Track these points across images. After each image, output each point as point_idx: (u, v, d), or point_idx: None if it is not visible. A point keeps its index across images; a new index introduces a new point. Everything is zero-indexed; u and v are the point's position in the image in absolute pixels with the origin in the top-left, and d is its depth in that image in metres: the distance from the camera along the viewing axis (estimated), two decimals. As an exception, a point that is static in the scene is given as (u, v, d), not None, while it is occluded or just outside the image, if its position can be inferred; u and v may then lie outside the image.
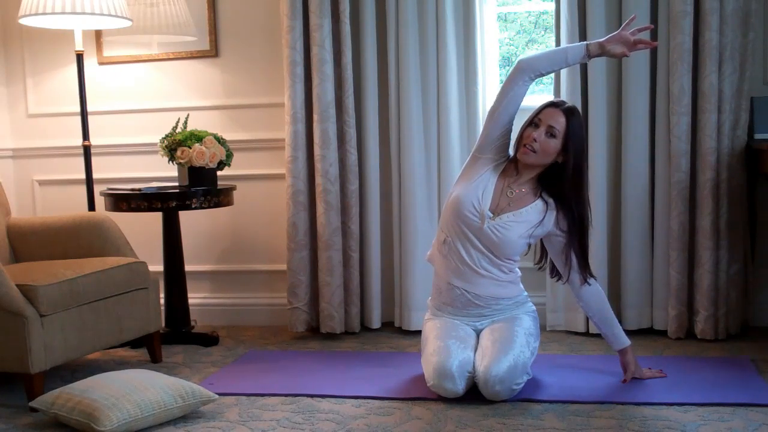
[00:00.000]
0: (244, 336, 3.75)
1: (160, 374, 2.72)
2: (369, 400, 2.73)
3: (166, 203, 3.38)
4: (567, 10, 3.36)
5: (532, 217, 2.79)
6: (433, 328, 2.84)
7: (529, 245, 2.89)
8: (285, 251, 3.67)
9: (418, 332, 3.20)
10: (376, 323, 3.69)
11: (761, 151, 3.16)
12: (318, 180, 3.58)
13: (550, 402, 2.65)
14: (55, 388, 2.67)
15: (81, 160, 3.69)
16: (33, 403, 2.63)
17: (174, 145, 3.42)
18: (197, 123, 3.73)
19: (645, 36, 3.02)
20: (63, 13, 3.30)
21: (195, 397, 2.61)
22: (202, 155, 3.38)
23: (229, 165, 3.55)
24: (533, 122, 2.78)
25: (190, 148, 3.39)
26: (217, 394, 2.73)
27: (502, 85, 2.83)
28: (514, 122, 2.85)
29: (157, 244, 3.68)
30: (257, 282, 3.98)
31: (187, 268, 3.72)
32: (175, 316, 3.62)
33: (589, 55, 2.78)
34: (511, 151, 2.87)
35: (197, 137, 3.42)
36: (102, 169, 3.94)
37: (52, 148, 4.06)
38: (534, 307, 2.94)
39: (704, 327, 3.33)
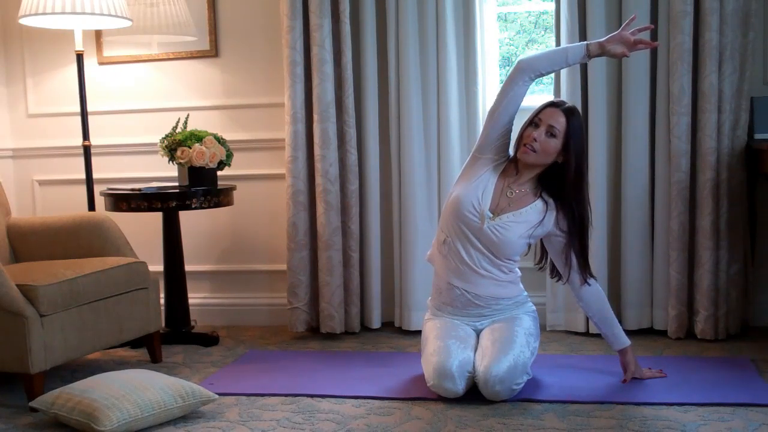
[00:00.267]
0: (244, 336, 3.75)
1: (160, 374, 2.72)
2: (369, 400, 2.73)
3: (166, 203, 3.38)
4: (567, 10, 3.36)
5: (532, 218, 2.79)
6: (433, 328, 2.84)
7: (529, 245, 2.89)
8: (285, 251, 3.67)
9: (418, 332, 3.20)
10: (376, 323, 3.69)
11: (761, 151, 3.16)
12: (318, 180, 3.58)
13: (550, 402, 2.65)
14: (55, 388, 2.67)
15: (81, 160, 3.69)
16: (33, 403, 2.63)
17: (174, 145, 3.42)
18: (197, 123, 3.73)
19: (645, 36, 3.02)
20: (63, 13, 3.30)
21: (195, 397, 2.61)
22: (202, 155, 3.38)
23: (229, 165, 3.55)
24: (533, 122, 2.78)
25: (190, 148, 3.39)
26: (217, 394, 2.73)
27: (502, 85, 2.83)
28: (515, 122, 2.85)
29: (157, 244, 3.68)
30: (257, 282, 3.98)
31: (187, 268, 3.72)
32: (175, 316, 3.62)
33: (590, 55, 2.78)
34: (511, 151, 2.87)
35: (197, 137, 3.42)
36: (102, 169, 3.94)
37: (52, 148, 4.06)
38: (534, 307, 2.94)
39: (704, 327, 3.33)
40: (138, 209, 3.41)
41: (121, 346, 3.47)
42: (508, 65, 3.90)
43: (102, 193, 3.52)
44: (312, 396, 2.79)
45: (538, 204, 2.81)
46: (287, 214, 3.63)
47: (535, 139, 2.73)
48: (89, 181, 3.63)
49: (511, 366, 2.64)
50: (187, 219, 3.82)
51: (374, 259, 3.64)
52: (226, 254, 4.00)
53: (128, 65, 3.98)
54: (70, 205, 3.95)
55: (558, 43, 3.40)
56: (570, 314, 3.54)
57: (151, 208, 3.39)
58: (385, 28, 3.56)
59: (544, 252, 2.95)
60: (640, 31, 2.80)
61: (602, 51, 2.77)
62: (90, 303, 2.97)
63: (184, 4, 3.71)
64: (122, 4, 3.43)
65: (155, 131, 3.76)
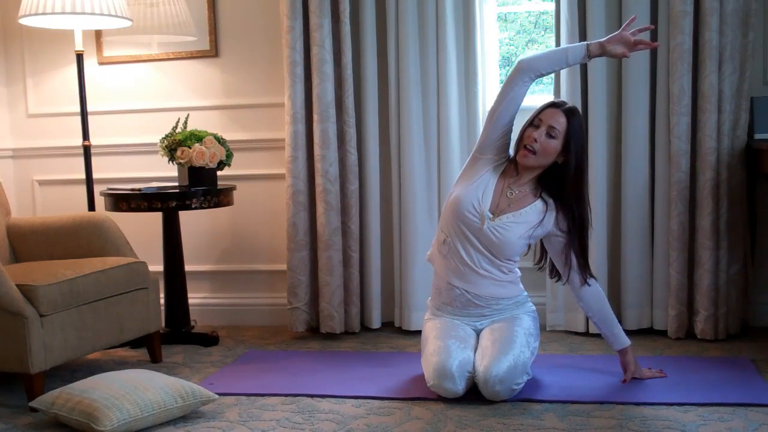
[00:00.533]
0: (244, 336, 3.75)
1: (160, 374, 2.72)
2: (369, 400, 2.73)
3: (166, 203, 3.38)
4: (567, 10, 3.36)
5: (532, 218, 2.79)
6: (433, 328, 2.84)
7: (529, 246, 2.89)
8: (285, 251, 3.67)
9: (418, 332, 3.20)
10: (376, 323, 3.69)
11: (761, 151, 3.16)
12: (318, 180, 3.58)
13: (550, 402, 2.65)
14: (55, 388, 2.67)
15: (81, 160, 3.69)
16: (33, 403, 2.63)
17: (174, 145, 3.42)
18: (197, 123, 3.73)
19: (645, 36, 3.02)
20: (63, 13, 3.30)
21: (195, 397, 2.61)
22: (202, 155, 3.38)
23: (229, 165, 3.55)
24: (533, 123, 2.78)
25: (190, 148, 3.39)
26: (217, 394, 2.73)
27: (502, 85, 2.83)
28: (515, 122, 2.84)
29: (157, 244, 3.68)
30: (257, 282, 3.98)
31: (187, 268, 3.72)
32: (175, 316, 3.62)
33: (590, 56, 2.78)
34: (512, 152, 2.86)
35: (197, 137, 3.42)
36: (102, 169, 3.94)
37: (52, 148, 4.06)
38: (534, 307, 2.94)
39: (704, 327, 3.33)
40: (138, 209, 3.41)
41: (121, 346, 3.47)
42: (508, 65, 3.90)
43: (102, 193, 3.52)
44: (312, 396, 2.79)
45: (538, 204, 2.81)
46: (287, 214, 3.63)
47: (535, 140, 2.73)
48: (89, 181, 3.63)
49: (511, 366, 2.64)
50: (187, 219, 3.82)
51: (374, 259, 3.64)
52: (226, 254, 4.00)
53: (128, 65, 3.98)
54: (70, 205, 3.95)
55: (558, 43, 3.40)
56: (570, 314, 3.54)
57: (151, 208, 3.39)
58: (385, 28, 3.56)
59: (543, 252, 2.95)
60: (640, 31, 2.80)
61: (602, 51, 2.77)
62: (90, 303, 2.97)
63: (184, 4, 3.71)
64: (122, 4, 3.43)
65: (155, 131, 3.76)
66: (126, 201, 3.40)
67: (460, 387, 2.65)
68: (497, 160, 2.85)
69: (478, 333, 2.85)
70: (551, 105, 2.81)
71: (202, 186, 3.43)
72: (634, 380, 2.82)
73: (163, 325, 3.61)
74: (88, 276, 2.95)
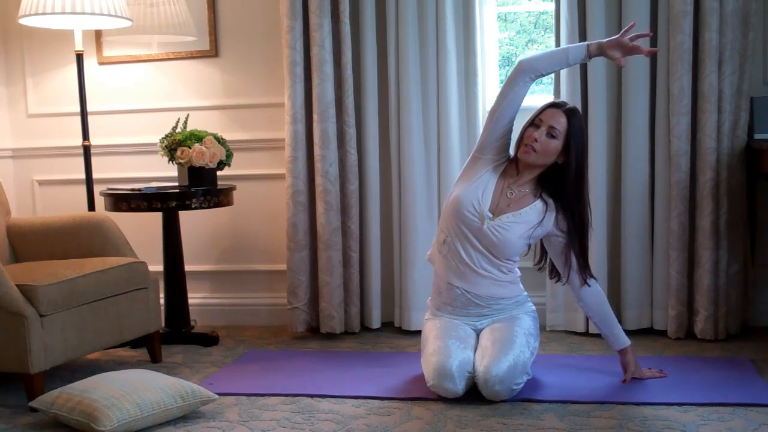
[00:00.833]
0: (244, 336, 3.75)
1: (160, 374, 2.72)
2: (369, 400, 2.73)
3: (166, 203, 3.38)
4: (567, 11, 3.36)
5: (532, 218, 2.79)
6: (432, 328, 2.84)
7: (529, 246, 2.89)
8: (285, 251, 3.67)
9: (418, 332, 3.20)
10: (376, 323, 3.69)
11: (761, 151, 3.16)
12: (318, 180, 3.58)
13: (550, 402, 2.65)
14: (55, 388, 2.67)
15: (81, 160, 3.69)
16: (33, 403, 2.63)
17: (174, 145, 3.42)
18: (197, 123, 3.73)
19: (644, 43, 3.01)
20: (63, 13, 3.30)
21: (195, 397, 2.61)
22: (202, 155, 3.38)
23: (229, 165, 3.55)
24: (534, 122, 2.78)
25: (190, 148, 3.39)
26: (217, 394, 2.73)
27: (502, 85, 2.83)
28: (515, 122, 2.84)
29: (157, 244, 3.68)
30: (257, 282, 3.98)
31: (187, 268, 3.72)
32: (175, 316, 3.62)
33: (590, 55, 2.78)
34: (512, 152, 2.86)
35: (197, 137, 3.42)
36: (102, 169, 3.94)
37: (52, 148, 4.06)
38: (534, 307, 2.94)
39: (704, 327, 3.33)
40: (138, 209, 3.41)
41: (121, 346, 3.47)
42: (508, 65, 3.91)
43: (102, 193, 3.52)
44: (312, 396, 2.79)
45: (538, 204, 2.81)
46: (287, 214, 3.63)
47: (535, 140, 2.73)
48: (89, 181, 3.63)
49: (511, 366, 2.64)
50: (187, 219, 3.82)
51: (374, 259, 3.64)
52: (226, 254, 4.00)
53: (128, 65, 3.98)
54: (70, 205, 3.95)
55: (558, 43, 3.40)
56: (570, 314, 3.54)
57: (151, 208, 3.39)
58: (385, 28, 3.56)
59: (543, 252, 2.95)
60: (638, 37, 2.79)
61: (601, 52, 2.77)
62: (90, 303, 2.97)
63: (184, 4, 3.71)
64: (122, 4, 3.43)
65: (155, 131, 3.76)
66: (126, 201, 3.40)
67: (459, 387, 2.65)
68: (497, 160, 2.85)
69: (478, 333, 2.85)
70: (552, 105, 2.81)
71: (202, 186, 3.43)
72: (634, 380, 2.82)
73: (163, 325, 3.61)
74: (88, 276, 2.95)
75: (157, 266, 3.60)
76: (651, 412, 2.52)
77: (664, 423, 2.43)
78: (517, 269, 2.90)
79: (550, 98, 3.55)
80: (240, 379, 3.04)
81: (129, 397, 2.50)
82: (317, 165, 3.58)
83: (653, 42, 3.29)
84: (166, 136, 3.48)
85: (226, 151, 3.51)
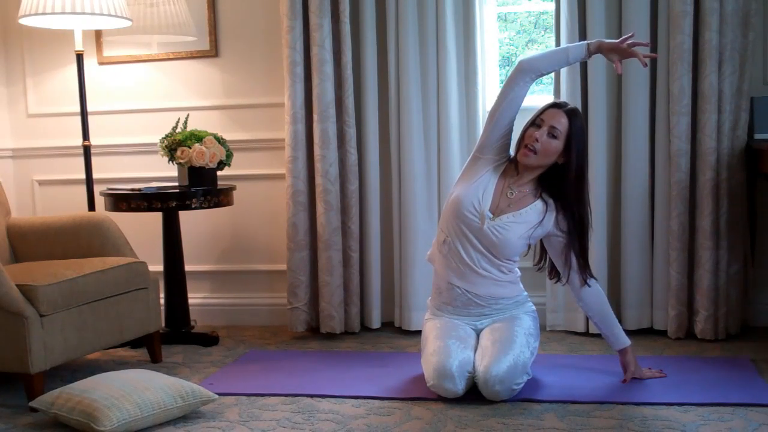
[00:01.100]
0: (244, 336, 3.75)
1: (160, 374, 2.73)
2: (369, 400, 2.73)
3: (166, 203, 3.38)
4: (567, 10, 3.36)
5: (532, 218, 2.79)
6: (433, 328, 2.84)
7: (529, 246, 2.89)
8: (285, 251, 3.67)
9: (418, 332, 3.20)
10: (376, 323, 3.69)
11: (761, 151, 3.16)
12: (318, 180, 3.58)
13: (550, 402, 2.65)
14: (55, 388, 2.67)
15: (81, 160, 3.69)
16: (33, 403, 2.63)
17: (174, 145, 3.42)
18: (197, 123, 3.73)
19: (643, 51, 2.99)
20: (63, 13, 3.30)
21: (195, 397, 2.61)
22: (202, 155, 3.38)
23: (229, 165, 3.55)
24: (535, 122, 2.78)
25: (190, 148, 3.39)
26: (217, 394, 2.73)
27: (502, 86, 2.83)
28: (516, 122, 2.84)
29: (157, 244, 3.68)
30: (257, 282, 3.98)
31: (187, 268, 3.72)
32: (175, 316, 3.62)
33: (589, 54, 2.78)
34: (512, 152, 2.86)
35: (197, 137, 3.42)
36: (102, 169, 3.94)
37: (52, 148, 4.06)
38: (534, 307, 2.94)
39: (704, 327, 3.33)
40: (138, 209, 3.41)
41: (121, 346, 3.47)
42: (508, 65, 3.90)
43: (102, 193, 3.52)
44: (312, 396, 2.79)
45: (538, 204, 2.81)
46: (287, 214, 3.63)
47: (536, 140, 2.73)
48: (89, 181, 3.63)
49: (511, 366, 2.64)
50: (187, 219, 3.82)
51: (374, 259, 3.64)
52: (226, 254, 4.00)
53: (128, 65, 3.98)
54: (70, 205, 3.95)
55: (558, 43, 3.40)
56: (570, 314, 3.54)
57: (151, 208, 3.39)
58: (385, 28, 3.56)
59: (543, 252, 2.95)
60: (636, 45, 2.78)
61: (600, 51, 2.77)
62: (90, 303, 2.97)
63: (184, 4, 3.71)
64: (122, 4, 3.43)
65: (155, 131, 3.76)
66: (126, 201, 3.40)
67: (460, 387, 2.65)
68: (498, 160, 2.85)
69: (478, 333, 2.85)
70: (553, 105, 2.81)
71: (202, 186, 3.43)
72: (634, 380, 2.82)
73: (163, 325, 3.61)
74: (88, 276, 2.95)
75: (157, 266, 3.60)
76: (651, 412, 2.52)
77: (664, 423, 2.43)
78: (517, 269, 2.90)
79: (550, 98, 3.56)
80: (240, 379, 3.04)
81: (129, 397, 2.50)
82: (317, 165, 3.58)
83: (653, 46, 3.29)
84: (166, 136, 3.48)
85: (226, 151, 3.51)
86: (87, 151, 3.63)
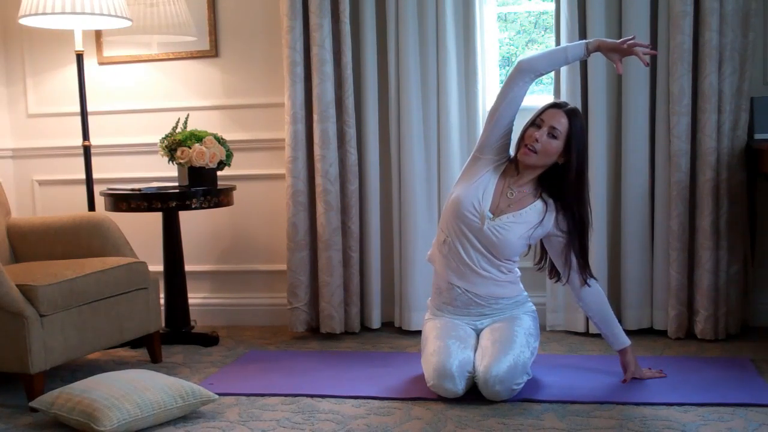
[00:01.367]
0: (244, 336, 3.75)
1: (160, 374, 2.73)
2: (369, 400, 2.73)
3: (166, 203, 3.38)
4: (567, 10, 3.36)
5: (532, 218, 2.79)
6: (433, 328, 2.84)
7: (529, 246, 2.89)
8: (285, 251, 3.67)
9: (418, 332, 3.20)
10: (376, 323, 3.69)
11: (761, 151, 3.16)
12: (318, 180, 3.58)
13: (550, 402, 2.65)
14: (55, 388, 2.67)
15: (81, 160, 3.69)
16: (33, 403, 2.63)
17: (174, 145, 3.42)
18: (197, 123, 3.73)
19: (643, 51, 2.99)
20: (63, 13, 3.30)
21: (195, 397, 2.61)
22: (202, 155, 3.38)
23: (229, 165, 3.55)
24: (535, 122, 2.78)
25: (190, 148, 3.39)
26: (217, 394, 2.73)
27: (501, 86, 2.83)
28: (515, 122, 2.84)
29: (157, 244, 3.68)
30: (257, 282, 3.98)
31: (187, 268, 3.72)
32: (175, 316, 3.62)
33: (588, 52, 2.78)
34: (512, 152, 2.87)
35: (197, 137, 3.42)
36: (102, 169, 3.94)
37: (52, 148, 4.06)
38: (534, 307, 2.94)
39: (704, 327, 3.33)
40: (138, 209, 3.40)
41: (121, 346, 3.47)
42: (508, 65, 3.90)
43: (102, 193, 3.52)
44: (312, 396, 2.79)
45: (538, 205, 2.81)
46: (287, 214, 3.63)
47: (536, 140, 2.73)
48: (89, 181, 3.63)
49: (511, 366, 2.64)
50: (187, 219, 3.82)
51: (374, 259, 3.64)
52: (226, 254, 4.00)
53: (128, 65, 3.98)
54: (70, 205, 3.95)
55: (558, 43, 3.39)
56: (570, 314, 3.54)
57: (151, 208, 3.39)
58: (385, 28, 3.56)
59: (543, 252, 2.95)
60: (636, 46, 2.77)
61: (599, 50, 2.77)
62: (90, 303, 2.97)
63: (184, 4, 3.71)
64: (122, 4, 3.43)
65: (155, 131, 3.76)
66: (126, 201, 3.40)
67: (460, 387, 2.66)
68: (498, 161, 2.85)
69: (478, 333, 2.85)
70: (553, 105, 2.81)
71: (202, 186, 3.43)
72: (634, 380, 2.82)
73: (163, 325, 3.61)
74: (88, 276, 2.95)
75: (157, 266, 3.60)
76: (651, 412, 2.52)
77: (664, 423, 2.43)
78: (517, 269, 2.91)
79: (550, 98, 3.56)
80: (240, 379, 3.04)
81: (129, 397, 2.50)
82: (317, 165, 3.58)
83: (653, 46, 3.28)
84: (166, 136, 3.48)
85: (226, 151, 3.51)
86: (87, 151, 3.63)
